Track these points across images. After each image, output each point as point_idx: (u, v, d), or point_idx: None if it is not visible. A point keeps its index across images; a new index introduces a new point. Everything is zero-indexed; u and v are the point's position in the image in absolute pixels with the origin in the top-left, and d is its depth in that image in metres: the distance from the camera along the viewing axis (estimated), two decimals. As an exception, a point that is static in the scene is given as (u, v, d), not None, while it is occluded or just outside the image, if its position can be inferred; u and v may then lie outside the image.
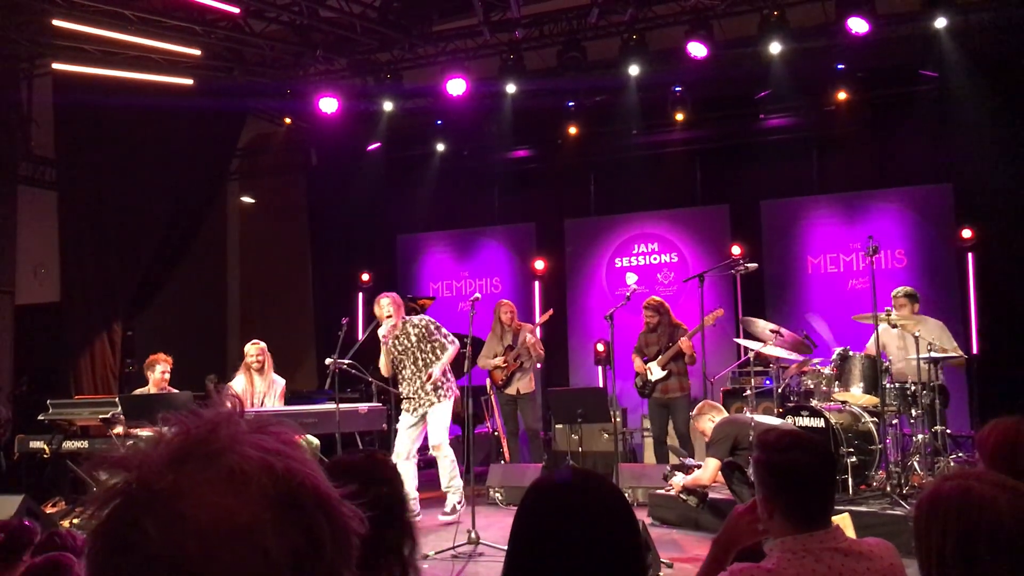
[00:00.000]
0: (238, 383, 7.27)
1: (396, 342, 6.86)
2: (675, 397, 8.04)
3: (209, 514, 0.73)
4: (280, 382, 7.48)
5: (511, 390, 8.73)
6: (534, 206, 12.08)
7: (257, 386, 7.28)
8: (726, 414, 6.58)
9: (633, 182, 11.15)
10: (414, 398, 6.78)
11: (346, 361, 7.26)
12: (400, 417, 6.95)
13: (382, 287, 12.09)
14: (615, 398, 7.19)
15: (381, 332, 6.78)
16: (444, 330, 6.99)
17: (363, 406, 7.44)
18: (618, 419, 7.95)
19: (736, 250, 10.06)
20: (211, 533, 0.72)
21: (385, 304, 6.79)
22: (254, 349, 7.37)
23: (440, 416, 6.81)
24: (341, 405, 7.05)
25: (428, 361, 6.85)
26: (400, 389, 6.93)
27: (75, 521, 6.40)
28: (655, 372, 8.11)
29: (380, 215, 12.51)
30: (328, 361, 6.99)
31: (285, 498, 0.75)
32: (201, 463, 0.76)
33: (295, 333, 12.70)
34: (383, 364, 6.93)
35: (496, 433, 9.25)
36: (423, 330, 6.90)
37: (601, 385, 10.56)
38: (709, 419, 6.39)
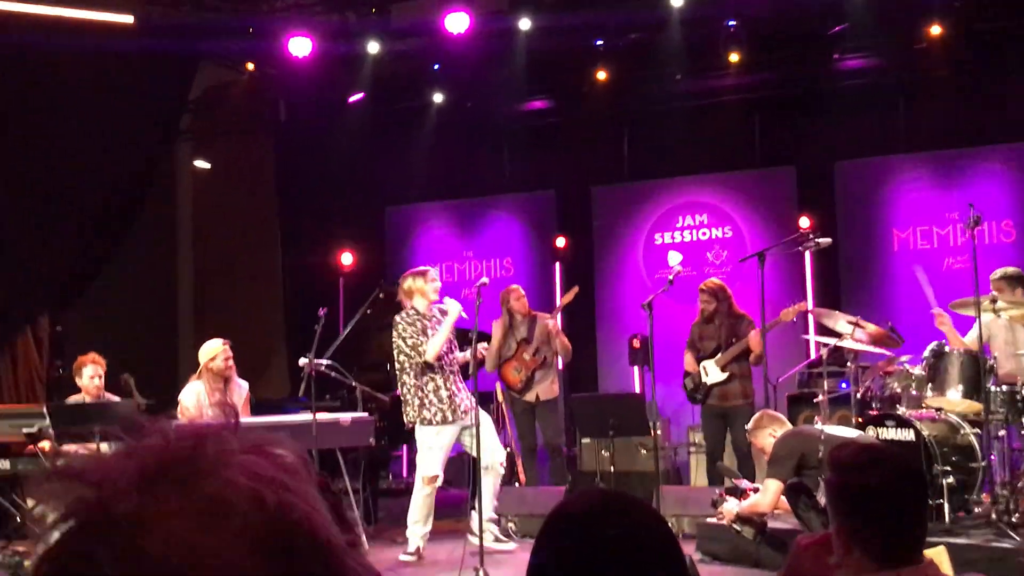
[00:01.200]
0: (190, 394, 7.24)
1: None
2: (736, 405, 8.05)
3: (177, 553, 0.72)
4: (243, 387, 7.49)
5: (529, 396, 8.74)
6: (554, 170, 12.07)
7: (214, 398, 7.26)
8: (790, 426, 6.59)
9: (676, 139, 11.11)
10: (449, 402, 6.97)
11: (324, 361, 7.28)
12: (428, 433, 6.94)
13: (368, 270, 12.20)
14: (655, 406, 7.20)
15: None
16: None
17: (346, 416, 7.47)
18: (659, 432, 7.96)
19: (804, 222, 10.04)
20: None
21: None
22: (223, 351, 7.28)
23: (487, 420, 7.05)
24: (319, 415, 7.07)
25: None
26: (434, 390, 6.98)
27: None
28: (712, 373, 8.11)
29: (365, 182, 12.52)
30: (302, 361, 7.02)
31: (274, 540, 0.74)
32: (176, 487, 0.75)
33: (261, 327, 12.75)
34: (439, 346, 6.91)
35: (509, 450, 9.28)
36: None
37: (638, 390, 10.57)
38: (770, 433, 6.40)
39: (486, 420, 6.97)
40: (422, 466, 6.88)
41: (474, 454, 6.82)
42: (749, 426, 6.63)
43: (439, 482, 6.86)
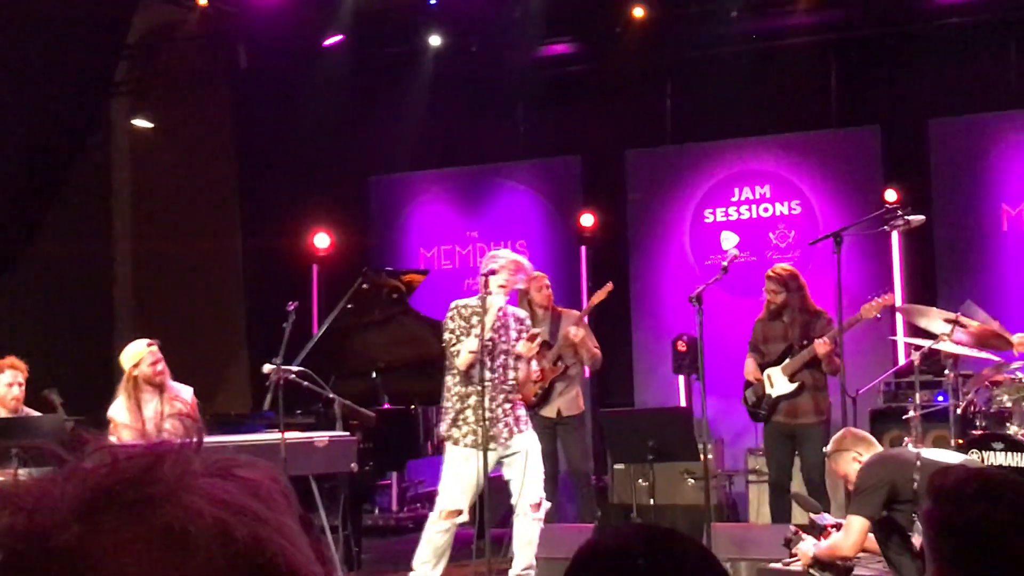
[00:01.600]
0: (122, 409, 7.23)
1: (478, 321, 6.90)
2: (808, 424, 8.02)
3: None
4: (185, 393, 7.47)
5: (549, 411, 8.74)
6: (579, 130, 12.04)
7: (149, 411, 7.24)
8: (879, 448, 6.53)
9: (732, 93, 11.07)
10: (487, 424, 6.86)
11: (295, 368, 7.27)
12: (453, 457, 6.92)
13: (347, 254, 12.21)
14: (706, 423, 7.18)
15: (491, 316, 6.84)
16: None
17: (321, 436, 7.47)
18: (710, 456, 7.93)
19: (891, 195, 9.98)
20: None
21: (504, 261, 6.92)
22: (148, 354, 7.26)
23: (534, 448, 7.01)
24: (288, 435, 7.08)
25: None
26: (460, 405, 6.95)
27: None
28: (778, 383, 8.08)
29: (344, 146, 12.51)
30: (267, 368, 7.01)
31: None
32: (126, 514, 0.76)
33: (217, 325, 12.78)
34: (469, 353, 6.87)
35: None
36: (523, 325, 7.12)
37: (684, 404, 10.55)
38: (854, 457, 6.33)
39: (535, 449, 6.93)
40: (443, 496, 6.87)
41: (512, 488, 6.86)
42: (828, 448, 6.56)
43: (462, 519, 6.82)
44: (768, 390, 8.11)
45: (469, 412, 6.84)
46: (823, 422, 7.99)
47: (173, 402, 7.28)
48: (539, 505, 6.87)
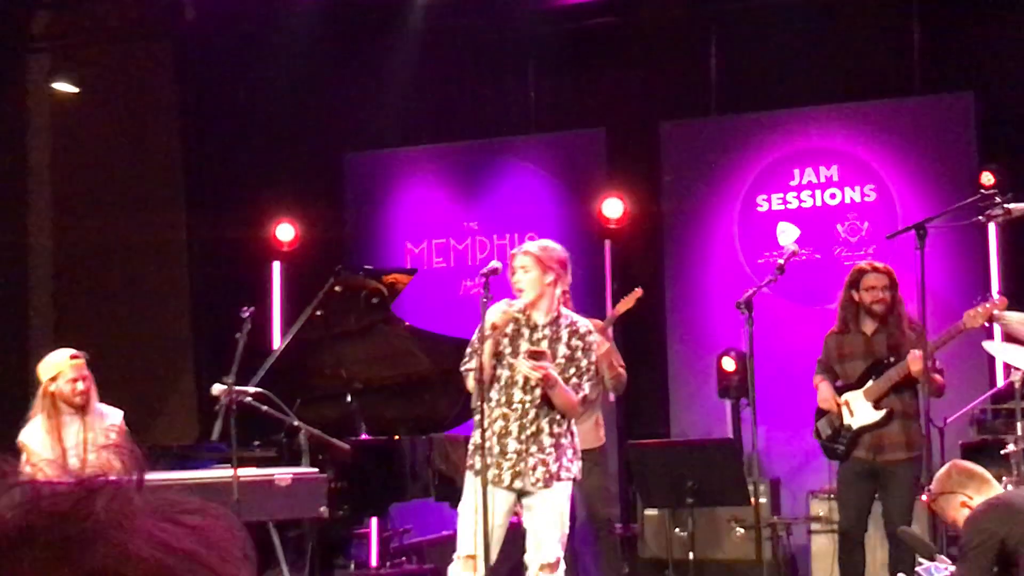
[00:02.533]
0: (37, 432, 7.23)
1: (525, 333, 6.84)
2: (897, 460, 7.97)
3: None
4: (113, 417, 7.47)
5: (562, 444, 8.73)
6: (603, 98, 12.04)
7: (70, 437, 7.23)
8: (996, 488, 6.45)
9: (790, 51, 11.06)
10: (514, 457, 6.79)
11: (251, 389, 7.25)
12: (469, 486, 6.92)
13: (317, 248, 12.17)
14: (758, 459, 7.16)
15: (496, 311, 6.73)
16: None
17: (284, 473, 7.47)
18: (763, 499, 7.90)
19: (988, 178, 9.95)
20: None
21: (523, 256, 6.77)
22: (70, 367, 7.25)
23: (559, 506, 6.85)
24: (243, 471, 7.07)
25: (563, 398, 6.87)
26: (485, 430, 6.90)
27: None
28: (860, 411, 8.03)
29: (314, 116, 12.50)
30: (217, 389, 7.00)
31: None
32: (50, 556, 0.78)
33: (156, 335, 12.77)
34: (484, 367, 6.85)
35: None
36: (587, 344, 6.91)
37: (731, 435, 10.53)
38: (962, 501, 6.26)
39: (555, 496, 6.88)
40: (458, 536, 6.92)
41: (528, 541, 6.84)
42: (933, 488, 6.49)
43: (467, 567, 6.80)
44: (847, 419, 8.05)
45: (494, 439, 6.83)
46: (915, 459, 7.89)
47: (98, 428, 7.26)
48: (555, 566, 6.85)
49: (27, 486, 0.83)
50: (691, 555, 7.59)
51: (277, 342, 9.76)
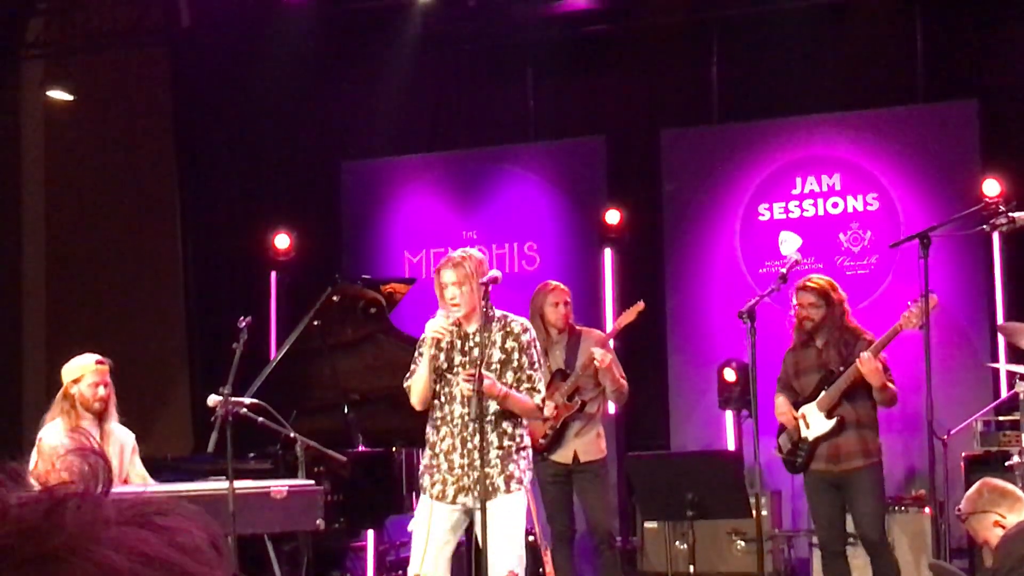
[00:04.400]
0: (56, 433, 7.26)
1: (458, 344, 6.81)
2: (854, 469, 8.00)
3: None
4: (127, 438, 7.51)
5: (563, 455, 8.72)
6: (603, 105, 12.05)
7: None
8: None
9: (793, 58, 11.08)
10: (459, 472, 6.75)
11: (247, 400, 7.26)
12: (420, 505, 6.93)
13: (313, 258, 12.16)
14: (759, 472, 7.16)
15: (435, 325, 6.70)
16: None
17: (280, 485, 7.47)
18: (765, 512, 7.90)
19: (992, 187, 9.97)
20: None
21: (452, 271, 6.65)
22: (93, 372, 7.28)
23: (512, 517, 6.80)
24: (239, 483, 7.07)
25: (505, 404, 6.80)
26: (432, 447, 6.89)
27: None
28: (814, 422, 8.05)
29: (310, 124, 12.50)
30: (213, 400, 7.00)
31: None
32: (22, 574, 0.77)
33: (151, 346, 12.76)
34: (418, 384, 6.85)
35: (532, 538, 9.26)
36: (523, 344, 6.86)
37: (732, 447, 10.54)
38: (996, 520, 6.21)
39: (503, 509, 6.84)
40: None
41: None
42: (963, 508, 6.45)
43: None
44: (803, 432, 8.06)
45: (441, 457, 6.82)
46: (872, 465, 7.97)
47: (114, 442, 7.32)
48: None
49: None
50: (692, 568, 7.58)
51: (274, 352, 9.75)
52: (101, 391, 7.26)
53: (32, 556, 0.77)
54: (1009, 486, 6.21)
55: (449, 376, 6.73)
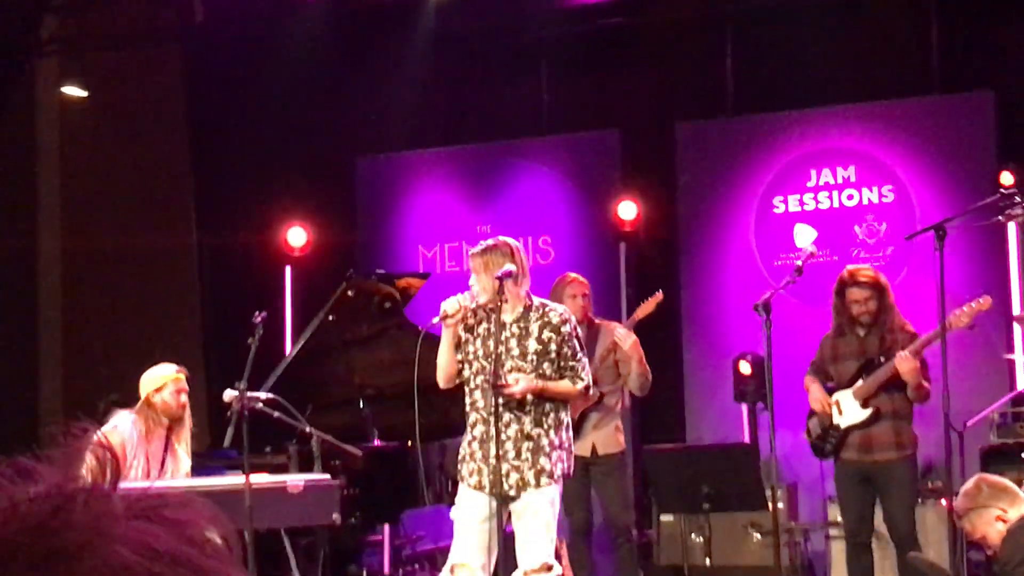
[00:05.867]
0: (127, 424, 7.34)
1: (484, 329, 6.80)
2: (886, 461, 7.98)
3: None
4: (184, 465, 7.65)
5: (581, 448, 8.70)
6: (617, 98, 12.05)
7: (154, 448, 7.38)
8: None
9: (807, 50, 11.06)
10: (493, 462, 6.72)
11: (263, 395, 7.28)
12: (459, 498, 6.94)
13: (328, 253, 12.18)
14: (775, 464, 7.16)
15: (455, 303, 6.69)
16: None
17: (296, 479, 7.48)
18: (781, 505, 7.90)
19: (1008, 178, 9.95)
20: None
21: (473, 259, 6.75)
22: (174, 380, 7.41)
23: (543, 511, 6.81)
24: (255, 478, 7.09)
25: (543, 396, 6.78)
26: (470, 430, 6.89)
27: None
28: (848, 410, 8.03)
29: (325, 119, 12.51)
30: (229, 395, 7.02)
31: None
32: (33, 572, 0.77)
33: (166, 341, 12.76)
34: (440, 360, 6.86)
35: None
36: (564, 335, 6.86)
37: (748, 439, 10.54)
38: (997, 516, 6.21)
39: (534, 501, 6.83)
40: (452, 547, 6.91)
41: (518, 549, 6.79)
42: (959, 503, 6.45)
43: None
44: (836, 419, 8.04)
45: (475, 445, 6.82)
46: (907, 458, 7.93)
47: (176, 459, 7.50)
48: (542, 570, 6.77)
49: (3, 496, 0.82)
50: (708, 561, 7.60)
51: (289, 347, 9.77)
52: (183, 398, 7.47)
53: (42, 553, 0.77)
54: (1007, 482, 6.21)
55: (483, 364, 6.69)
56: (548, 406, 6.73)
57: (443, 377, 6.88)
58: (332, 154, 12.72)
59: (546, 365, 6.66)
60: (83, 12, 13.10)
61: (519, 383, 6.57)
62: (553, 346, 6.69)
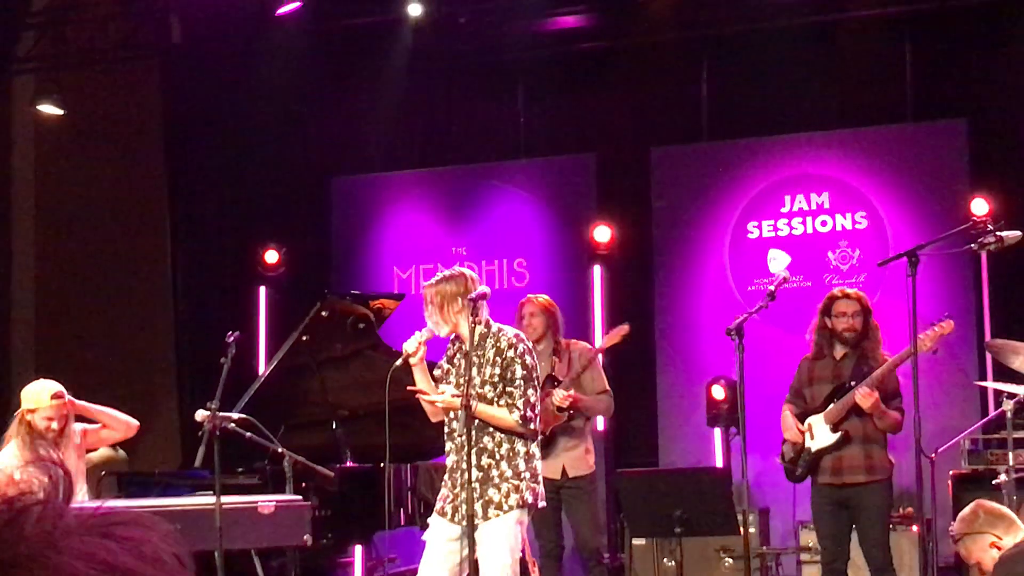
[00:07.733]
0: (9, 459, 7.20)
1: (458, 359, 6.77)
2: (858, 484, 7.98)
3: None
4: (80, 485, 7.48)
5: (550, 470, 8.68)
6: (593, 122, 12.07)
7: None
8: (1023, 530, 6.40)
9: (782, 77, 11.10)
10: (458, 490, 6.66)
11: (235, 415, 7.26)
12: (431, 523, 6.91)
13: (303, 272, 12.16)
14: (747, 489, 7.17)
15: (414, 342, 6.64)
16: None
17: (268, 500, 7.45)
18: (752, 529, 7.91)
19: (980, 206, 10.00)
20: None
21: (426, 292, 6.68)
22: (49, 407, 7.18)
23: (493, 543, 6.71)
24: (226, 499, 7.06)
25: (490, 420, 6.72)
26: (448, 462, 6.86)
27: None
28: (819, 433, 8.04)
29: (301, 139, 12.50)
30: (201, 415, 7.00)
31: None
32: None
33: (139, 360, 12.74)
34: (424, 401, 6.83)
35: (520, 554, 9.25)
36: (507, 359, 6.75)
37: (720, 464, 10.54)
38: (992, 543, 6.20)
39: (487, 531, 6.78)
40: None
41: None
42: (955, 530, 6.45)
43: None
44: (808, 442, 8.05)
45: (447, 473, 6.82)
46: (878, 482, 7.92)
47: (68, 453, 7.28)
48: None
49: None
50: (679, 585, 7.58)
51: (262, 367, 9.74)
52: (54, 425, 7.18)
53: None
54: (1004, 509, 6.19)
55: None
56: (499, 436, 6.60)
57: (429, 414, 6.85)
58: (308, 174, 12.70)
59: (488, 388, 6.60)
60: (59, 30, 13.06)
61: (444, 394, 6.58)
62: (498, 369, 6.61)
